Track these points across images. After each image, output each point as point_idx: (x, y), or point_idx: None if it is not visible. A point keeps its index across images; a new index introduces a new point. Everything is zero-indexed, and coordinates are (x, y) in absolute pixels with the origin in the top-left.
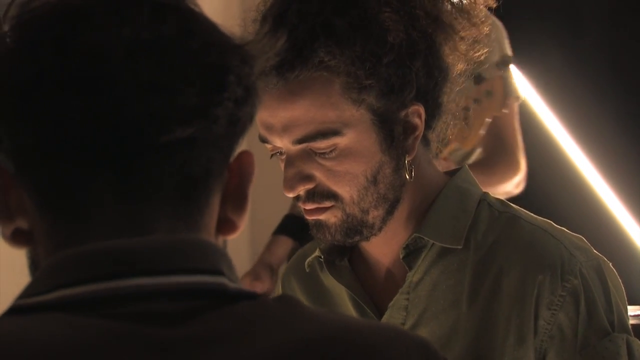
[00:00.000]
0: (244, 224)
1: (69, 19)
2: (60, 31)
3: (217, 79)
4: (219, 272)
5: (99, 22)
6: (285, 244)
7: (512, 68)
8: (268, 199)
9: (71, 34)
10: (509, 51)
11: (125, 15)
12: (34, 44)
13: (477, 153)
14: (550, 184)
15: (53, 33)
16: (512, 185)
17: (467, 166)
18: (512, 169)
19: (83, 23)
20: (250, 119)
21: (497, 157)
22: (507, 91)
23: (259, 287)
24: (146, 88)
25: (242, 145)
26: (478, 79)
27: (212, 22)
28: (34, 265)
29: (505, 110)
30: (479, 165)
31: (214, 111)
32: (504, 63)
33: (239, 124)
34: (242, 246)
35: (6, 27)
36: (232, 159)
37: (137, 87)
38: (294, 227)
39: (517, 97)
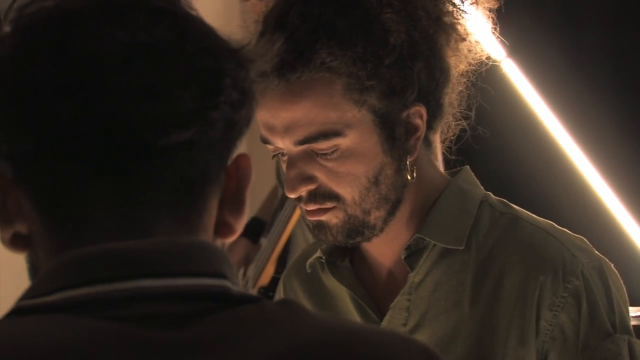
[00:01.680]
0: (242, 227)
1: (65, 24)
2: (57, 36)
3: (213, 83)
4: (222, 275)
5: (96, 26)
6: (244, 245)
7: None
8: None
9: (68, 39)
10: None
11: (122, 20)
12: (31, 48)
13: None
14: (551, 184)
15: (50, 38)
16: None
17: (468, 167)
18: None
19: (80, 28)
20: (248, 122)
21: None
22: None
23: None
24: (143, 92)
25: (242, 147)
26: None
27: (208, 26)
28: (33, 269)
29: None
30: None
31: (210, 115)
32: None
33: (235, 128)
34: None
35: (4, 32)
36: (229, 162)
37: (134, 91)
38: (253, 229)
39: None
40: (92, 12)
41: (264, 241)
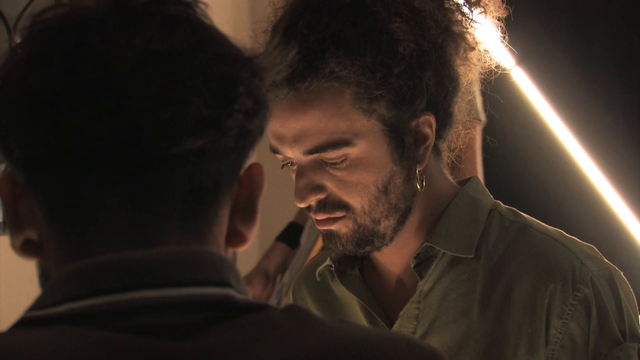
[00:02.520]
0: (254, 236)
1: (79, 30)
2: (72, 42)
3: (228, 91)
4: (227, 284)
5: (110, 33)
6: (282, 250)
7: (477, 90)
8: (278, 210)
9: (83, 45)
10: None
11: (137, 27)
12: (45, 55)
13: None
14: (560, 193)
15: (65, 44)
16: None
17: (477, 176)
18: None
19: (94, 34)
20: (261, 131)
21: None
22: (469, 113)
23: (250, 292)
24: (156, 99)
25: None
26: None
27: (222, 34)
28: (43, 276)
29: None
30: None
31: (224, 123)
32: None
33: (249, 137)
34: (252, 258)
35: (18, 39)
36: (242, 171)
37: (148, 98)
38: (292, 234)
39: (480, 120)
40: (106, 19)
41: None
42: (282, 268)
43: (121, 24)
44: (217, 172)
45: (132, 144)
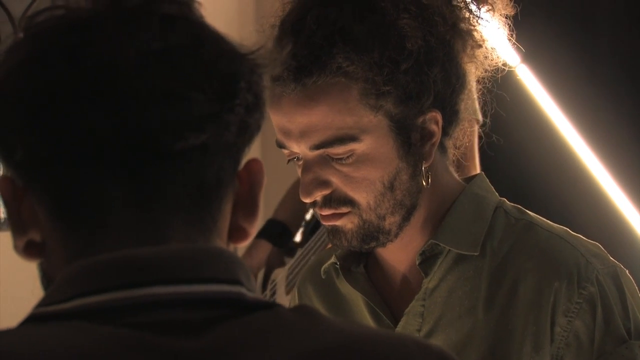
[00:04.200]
0: (255, 231)
1: (80, 30)
2: (72, 42)
3: (229, 86)
4: (237, 282)
5: (110, 32)
6: (264, 248)
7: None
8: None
9: (83, 45)
10: None
11: (136, 26)
12: (45, 55)
13: None
14: (566, 190)
15: (64, 44)
16: None
17: (482, 173)
18: None
19: (94, 34)
20: (258, 127)
21: None
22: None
23: None
24: (159, 96)
25: (256, 153)
26: None
27: (219, 32)
28: (45, 277)
29: None
30: None
31: (225, 117)
32: None
33: (248, 131)
34: None
35: (18, 40)
36: (240, 166)
37: (150, 95)
38: (273, 231)
39: (478, 120)
40: (104, 19)
41: (299, 252)
42: (267, 264)
43: (120, 23)
44: (219, 168)
45: (137, 141)
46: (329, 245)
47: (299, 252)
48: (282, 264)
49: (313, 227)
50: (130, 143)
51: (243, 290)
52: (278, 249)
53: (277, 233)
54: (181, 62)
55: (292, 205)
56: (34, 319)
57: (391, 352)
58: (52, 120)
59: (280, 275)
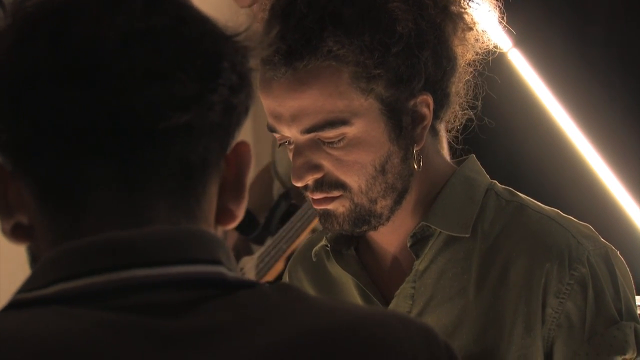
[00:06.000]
0: (243, 213)
1: (62, 12)
2: (54, 24)
3: (212, 66)
4: (217, 262)
5: (93, 13)
6: (230, 236)
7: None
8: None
9: (65, 26)
10: None
11: (118, 7)
12: (28, 38)
13: None
14: (557, 173)
15: (47, 26)
16: None
17: (474, 156)
18: None
19: (77, 16)
20: (246, 109)
21: None
22: None
23: None
24: (142, 76)
25: (248, 138)
26: None
27: (203, 13)
28: (34, 260)
29: None
30: None
31: (209, 97)
32: None
33: (234, 113)
34: None
35: (5, 25)
36: (229, 150)
37: (133, 75)
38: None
39: None
40: (88, 1)
41: (269, 240)
42: (235, 253)
43: (103, 4)
44: (204, 149)
45: (120, 122)
46: (304, 234)
47: (269, 241)
48: (249, 252)
49: (284, 215)
50: (113, 124)
51: (223, 269)
52: (245, 236)
53: (243, 221)
54: (163, 42)
55: (259, 192)
56: (14, 305)
57: (376, 327)
58: (34, 103)
59: (248, 263)
